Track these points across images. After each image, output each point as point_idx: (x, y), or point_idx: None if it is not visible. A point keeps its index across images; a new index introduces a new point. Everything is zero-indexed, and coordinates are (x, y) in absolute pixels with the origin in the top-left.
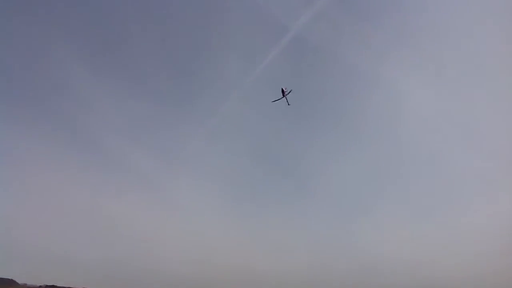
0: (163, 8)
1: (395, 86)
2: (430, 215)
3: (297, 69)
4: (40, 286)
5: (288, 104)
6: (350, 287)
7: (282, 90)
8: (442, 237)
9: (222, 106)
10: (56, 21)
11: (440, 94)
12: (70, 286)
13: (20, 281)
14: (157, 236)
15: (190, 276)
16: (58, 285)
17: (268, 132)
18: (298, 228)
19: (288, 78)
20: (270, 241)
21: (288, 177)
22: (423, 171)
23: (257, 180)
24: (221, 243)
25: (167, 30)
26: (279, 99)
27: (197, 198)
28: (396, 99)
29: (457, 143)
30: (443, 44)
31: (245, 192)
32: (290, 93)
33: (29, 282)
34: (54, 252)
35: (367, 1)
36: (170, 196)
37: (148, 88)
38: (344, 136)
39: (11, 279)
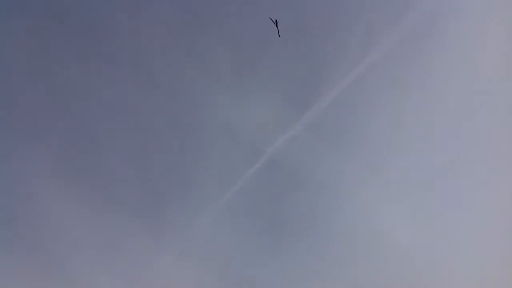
0: (139, 127)
1: (368, 210)
2: None
3: (271, 191)
4: None
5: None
6: None
7: (275, 22)
8: None
9: (193, 226)
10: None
11: (413, 222)
12: None
13: None
14: None
15: None
16: None
17: (238, 256)
18: None
19: (262, 200)
20: None
21: None
22: None
23: None
24: None
25: (143, 146)
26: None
27: None
28: (370, 223)
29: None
30: (410, 178)
31: None
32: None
33: None
34: None
35: (340, 131)
36: None
37: (118, 201)
38: (315, 258)
39: None
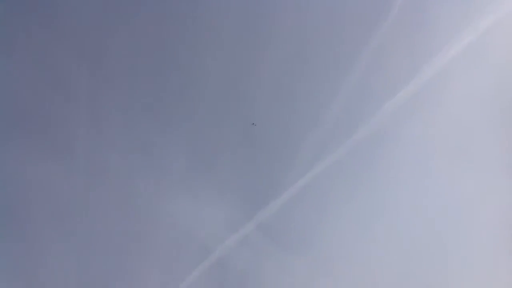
0: (86, 223)
1: None
2: None
3: None
4: None
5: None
6: None
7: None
8: None
9: None
10: None
11: None
12: None
13: None
14: None
15: None
16: None
17: None
18: None
19: None
20: None
21: None
22: None
23: None
24: None
25: (87, 246)
26: None
27: None
28: None
29: None
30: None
31: None
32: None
33: None
34: None
35: (289, 233)
36: None
37: None
38: None
39: None
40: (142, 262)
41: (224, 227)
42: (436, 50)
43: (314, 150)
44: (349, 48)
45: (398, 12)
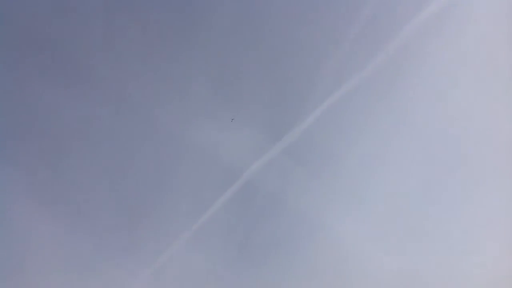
0: (113, 148)
1: (339, 235)
2: None
3: (246, 216)
4: None
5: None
6: None
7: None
8: None
9: (166, 249)
10: None
11: (385, 246)
12: None
13: None
14: None
15: None
16: None
17: (216, 282)
18: None
19: (238, 222)
20: None
21: None
22: None
23: None
24: None
25: (117, 167)
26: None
27: None
28: (343, 249)
29: None
30: (388, 197)
31: None
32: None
33: None
34: None
35: (312, 154)
36: None
37: (92, 223)
38: (294, 282)
39: None
40: (169, 189)
41: (250, 152)
42: None
43: (337, 70)
44: None
45: None
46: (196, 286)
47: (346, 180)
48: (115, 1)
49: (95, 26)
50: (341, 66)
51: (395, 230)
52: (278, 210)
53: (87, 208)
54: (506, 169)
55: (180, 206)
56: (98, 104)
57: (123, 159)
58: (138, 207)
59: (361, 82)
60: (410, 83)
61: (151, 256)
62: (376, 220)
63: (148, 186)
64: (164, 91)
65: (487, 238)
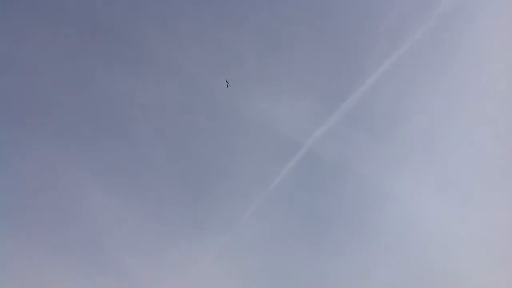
0: (179, 126)
1: (407, 200)
2: None
3: (310, 183)
4: None
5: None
6: None
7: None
8: None
9: (235, 220)
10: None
11: (452, 209)
12: None
13: None
14: None
15: None
16: None
17: (282, 251)
18: None
19: (302, 193)
20: None
21: None
22: None
23: None
24: None
25: (183, 144)
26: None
27: None
28: (408, 213)
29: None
30: (451, 158)
31: None
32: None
33: None
34: None
35: (373, 119)
36: None
37: (163, 203)
38: (358, 254)
39: None
40: (233, 163)
41: (310, 120)
42: None
43: (392, 32)
44: None
45: None
46: (264, 257)
47: (412, 142)
48: None
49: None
50: (395, 28)
51: (454, 192)
52: (342, 178)
53: (157, 184)
54: None
55: (245, 178)
56: (161, 84)
57: (188, 137)
58: (204, 182)
59: (418, 42)
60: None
61: (219, 230)
62: (446, 184)
63: (213, 161)
64: (221, 64)
65: None
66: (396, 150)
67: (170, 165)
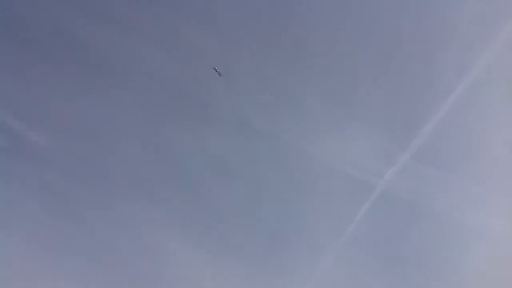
0: (248, 179)
1: (493, 235)
2: None
3: (388, 225)
4: None
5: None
6: None
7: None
8: None
9: (314, 269)
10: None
11: None
12: None
13: None
14: None
15: None
16: None
17: None
18: None
19: (380, 237)
20: None
21: None
22: None
23: None
24: None
25: (255, 198)
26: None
27: None
28: (496, 249)
29: None
30: None
31: None
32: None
33: None
34: None
35: (446, 152)
36: None
37: (239, 253)
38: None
39: None
40: (307, 209)
41: (380, 159)
42: None
43: (455, 66)
44: None
45: None
46: None
47: (487, 173)
48: None
49: None
50: (459, 58)
51: None
52: (420, 216)
53: (233, 237)
54: None
55: (321, 223)
56: (224, 136)
57: (259, 188)
58: (281, 231)
59: (484, 72)
60: None
61: (300, 279)
62: None
63: (287, 209)
64: (281, 111)
65: None
66: (474, 183)
67: (244, 218)
